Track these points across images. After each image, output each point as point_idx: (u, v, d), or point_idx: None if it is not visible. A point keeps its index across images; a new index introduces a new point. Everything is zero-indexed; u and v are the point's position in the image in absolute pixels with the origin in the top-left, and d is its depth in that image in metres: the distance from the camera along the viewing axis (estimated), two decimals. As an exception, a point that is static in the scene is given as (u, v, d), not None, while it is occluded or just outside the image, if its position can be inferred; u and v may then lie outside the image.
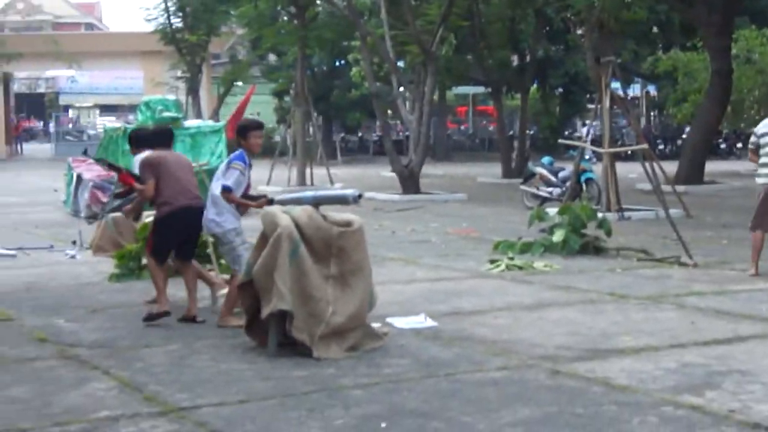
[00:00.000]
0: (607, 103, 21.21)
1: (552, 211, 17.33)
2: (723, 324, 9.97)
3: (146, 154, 11.02)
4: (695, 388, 7.57)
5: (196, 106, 41.44)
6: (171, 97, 25.71)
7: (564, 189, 22.51)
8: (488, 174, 37.29)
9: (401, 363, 8.53)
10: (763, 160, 13.59)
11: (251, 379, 8.12)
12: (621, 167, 22.86)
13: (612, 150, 20.56)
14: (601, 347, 9.02)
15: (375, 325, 9.60)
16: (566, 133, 51.44)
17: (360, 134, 56.93)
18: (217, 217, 10.15)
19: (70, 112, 78.37)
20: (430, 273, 13.77)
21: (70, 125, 68.13)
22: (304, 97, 32.91)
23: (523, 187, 24.44)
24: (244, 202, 10.22)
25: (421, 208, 24.23)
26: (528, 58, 40.98)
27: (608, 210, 21.22)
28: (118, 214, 17.95)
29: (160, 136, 11.60)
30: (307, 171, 32.81)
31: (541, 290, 12.24)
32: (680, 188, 25.62)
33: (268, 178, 32.11)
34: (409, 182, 27.60)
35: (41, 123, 78.72)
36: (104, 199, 22.30)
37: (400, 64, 38.09)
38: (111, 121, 52.80)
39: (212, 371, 8.42)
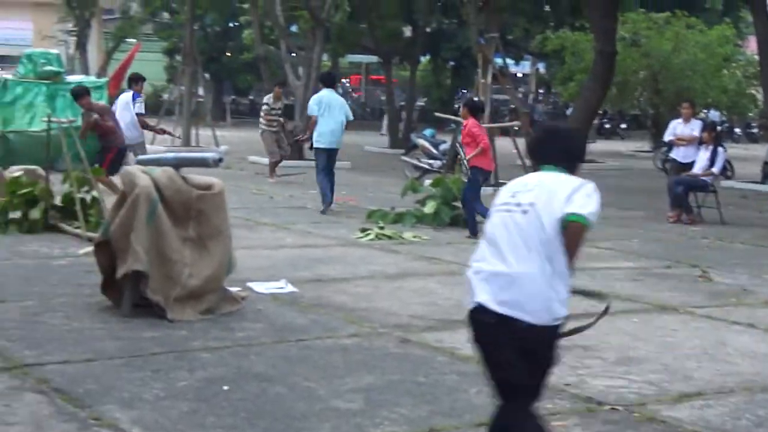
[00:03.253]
0: (489, 78, 21.47)
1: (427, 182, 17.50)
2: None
3: None
4: (537, 362, 7.76)
5: (83, 61, 40.75)
6: (54, 51, 25.25)
7: (444, 161, 22.74)
8: (376, 143, 37.42)
9: (255, 327, 8.59)
10: None
11: (101, 339, 8.10)
12: (508, 142, 23.07)
13: (487, 126, 20.77)
14: (453, 318, 9.14)
15: (234, 289, 9.63)
16: (456, 106, 51.74)
17: (251, 97, 56.58)
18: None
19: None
20: (300, 239, 13.82)
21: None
22: (193, 57, 32.65)
23: (404, 158, 24.61)
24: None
25: (304, 174, 24.20)
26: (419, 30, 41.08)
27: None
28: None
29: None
30: (193, 132, 32.58)
31: (406, 260, 12.39)
32: (560, 166, 25.97)
33: (153, 137, 31.79)
34: (294, 148, 27.52)
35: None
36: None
37: (294, 29, 37.93)
38: (-1, 72, 51.65)
39: (64, 329, 8.38)
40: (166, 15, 51.13)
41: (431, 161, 23.47)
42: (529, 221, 5.00)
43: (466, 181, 15.17)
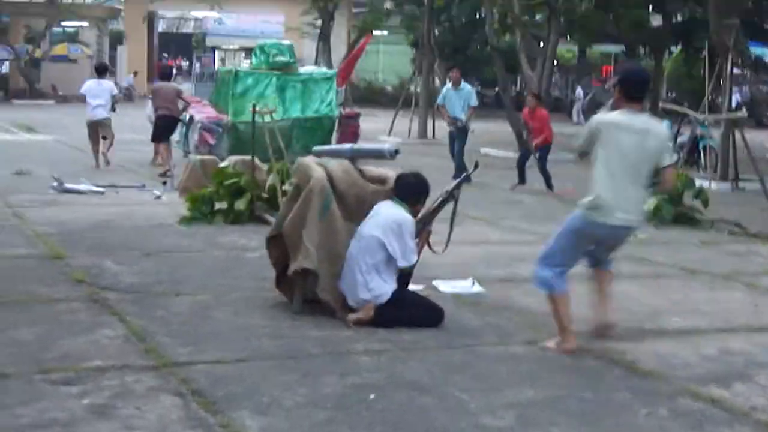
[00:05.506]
0: (729, 67, 20.32)
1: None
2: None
3: None
4: (725, 379, 6.96)
5: (326, 53, 41.13)
6: (286, 42, 25.45)
7: (681, 155, 21.66)
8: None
9: (424, 330, 8.07)
10: None
11: (263, 337, 7.78)
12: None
13: (712, 117, 19.63)
14: (645, 327, 8.42)
15: (416, 287, 9.16)
16: (710, 98, 49.73)
17: (497, 89, 55.91)
18: None
19: (217, 54, 78.94)
20: (506, 235, 13.24)
21: (215, 67, 68.65)
22: (430, 48, 32.46)
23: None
24: None
25: (532, 167, 23.54)
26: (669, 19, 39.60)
27: (724, 179, 20.39)
28: (206, 156, 17.96)
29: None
30: (430, 123, 32.40)
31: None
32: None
33: (390, 128, 31.82)
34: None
35: (187, 63, 79.69)
36: (212, 141, 22.28)
37: (538, 17, 37.13)
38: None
39: (229, 326, 8.11)
40: (412, 7, 51.18)
41: (667, 155, 22.39)
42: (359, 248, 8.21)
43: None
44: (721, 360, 7.45)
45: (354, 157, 8.78)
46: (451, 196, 8.65)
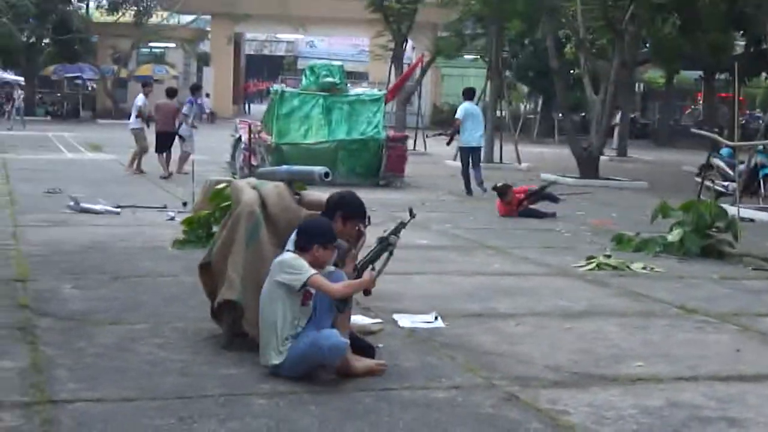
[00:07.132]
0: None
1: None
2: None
3: None
4: (652, 437, 6.16)
5: (398, 76, 40.49)
6: (337, 63, 25.02)
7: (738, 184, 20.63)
8: (698, 162, 35.07)
9: (350, 370, 7.39)
10: None
11: (170, 374, 7.17)
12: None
13: (740, 144, 18.60)
14: (597, 372, 7.60)
15: (370, 321, 8.55)
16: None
17: (583, 114, 54.82)
18: None
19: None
20: (509, 266, 12.44)
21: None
22: (498, 71, 31.75)
23: (698, 179, 22.58)
24: None
25: (588, 194, 22.70)
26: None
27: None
28: (222, 177, 17.50)
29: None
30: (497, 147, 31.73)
31: (607, 295, 10.76)
32: None
33: (455, 153, 31.11)
34: (587, 166, 26.01)
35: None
36: (255, 162, 21.90)
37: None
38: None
39: (142, 360, 7.53)
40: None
41: (726, 183, 21.39)
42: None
43: None
44: (660, 414, 6.61)
45: (290, 179, 8.16)
46: (388, 244, 7.42)
